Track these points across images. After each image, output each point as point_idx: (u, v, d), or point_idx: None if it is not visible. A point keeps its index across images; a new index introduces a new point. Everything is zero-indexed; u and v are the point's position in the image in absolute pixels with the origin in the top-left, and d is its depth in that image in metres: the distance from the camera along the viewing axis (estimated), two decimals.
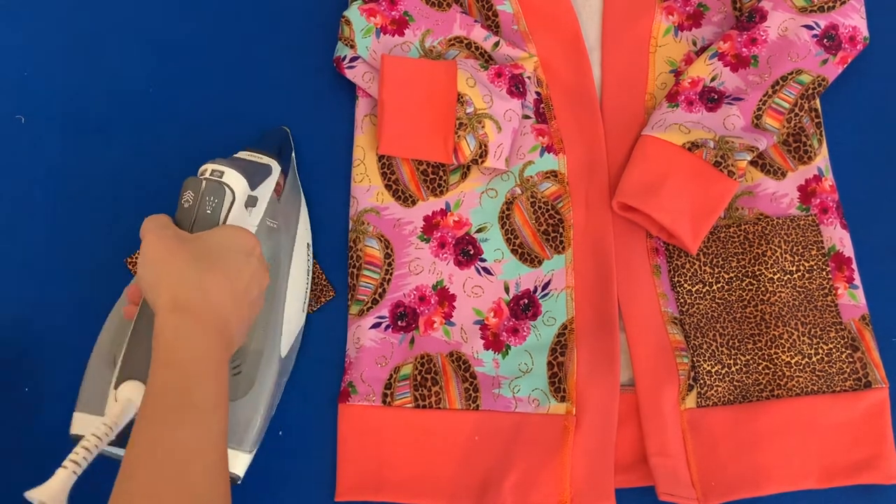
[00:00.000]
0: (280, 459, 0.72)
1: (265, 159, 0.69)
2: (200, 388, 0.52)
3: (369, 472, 0.70)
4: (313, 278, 0.75)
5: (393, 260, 0.75)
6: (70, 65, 0.82)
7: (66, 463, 0.51)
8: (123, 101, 0.81)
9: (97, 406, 0.61)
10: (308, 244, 0.74)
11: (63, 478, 0.50)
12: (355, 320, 0.73)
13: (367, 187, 0.76)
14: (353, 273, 0.75)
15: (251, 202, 0.65)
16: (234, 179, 0.62)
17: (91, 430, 0.53)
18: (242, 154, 0.70)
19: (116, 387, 0.57)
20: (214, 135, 0.80)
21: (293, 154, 0.77)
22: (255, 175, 0.65)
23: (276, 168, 0.69)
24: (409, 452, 0.70)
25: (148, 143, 0.80)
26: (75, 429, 0.61)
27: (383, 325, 0.73)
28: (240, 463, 0.64)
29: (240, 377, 0.65)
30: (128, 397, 0.56)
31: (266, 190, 0.67)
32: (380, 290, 0.74)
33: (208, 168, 0.63)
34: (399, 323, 0.73)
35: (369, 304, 0.73)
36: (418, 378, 0.71)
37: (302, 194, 0.77)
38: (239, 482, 0.65)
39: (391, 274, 0.74)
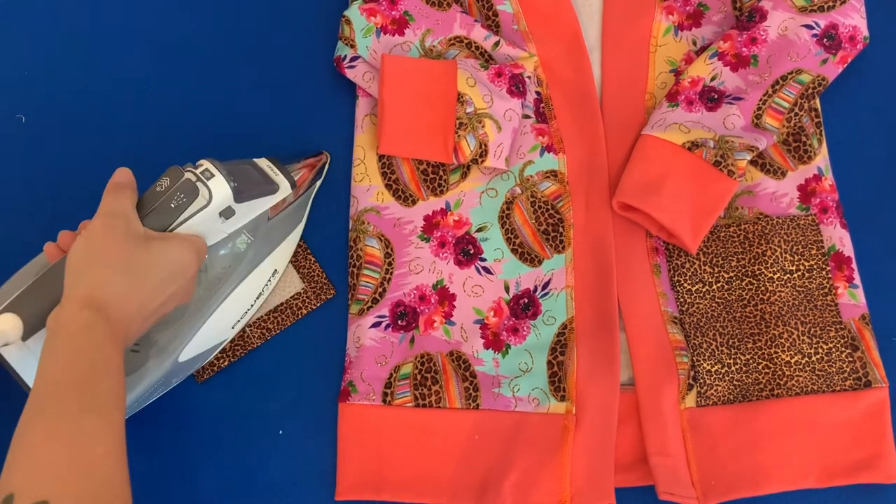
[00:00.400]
0: (280, 459, 0.72)
1: (279, 177, 0.68)
2: (106, 381, 0.52)
3: (369, 472, 0.70)
4: (313, 276, 0.75)
5: (393, 259, 0.75)
6: (70, 65, 0.82)
7: None
8: (123, 100, 0.81)
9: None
10: (276, 270, 0.72)
11: None
12: (355, 319, 0.73)
13: (367, 187, 0.76)
14: (353, 272, 0.75)
15: (228, 214, 0.64)
16: (218, 186, 0.61)
17: None
18: (262, 161, 0.68)
19: (2, 312, 0.58)
20: (215, 135, 0.80)
21: (318, 182, 0.76)
22: (251, 188, 0.64)
23: (285, 191, 0.68)
24: (410, 451, 0.70)
25: (148, 142, 0.80)
26: None
27: (383, 325, 0.73)
28: None
29: (132, 356, 0.65)
30: (2, 330, 0.57)
31: (256, 207, 0.66)
32: (380, 290, 0.74)
33: (202, 165, 0.62)
34: (399, 322, 0.73)
35: (369, 304, 0.74)
36: (418, 377, 0.71)
37: (303, 223, 0.75)
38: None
39: (391, 273, 0.74)
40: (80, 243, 0.57)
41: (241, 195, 0.63)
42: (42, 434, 0.49)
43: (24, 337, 0.58)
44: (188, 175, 0.61)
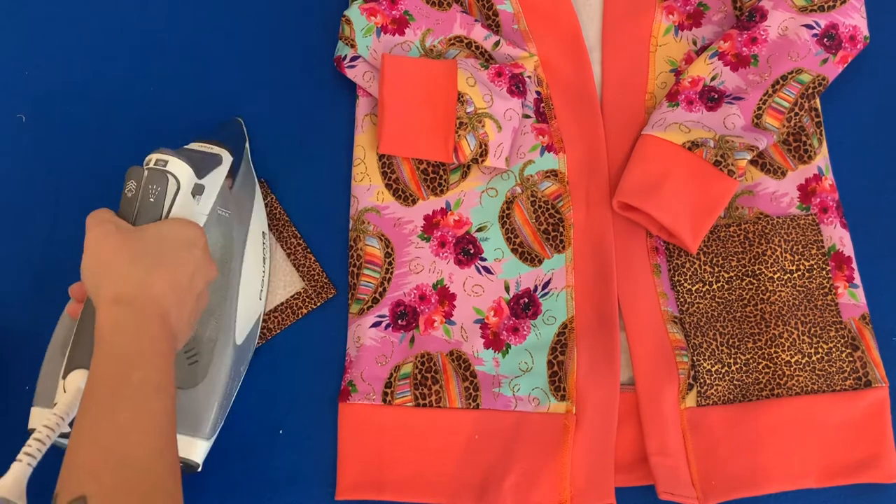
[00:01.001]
0: (280, 459, 0.72)
1: (215, 149, 0.69)
2: (139, 372, 0.52)
3: (369, 471, 0.70)
4: (313, 276, 0.75)
5: (393, 259, 0.75)
6: (70, 65, 0.82)
7: (20, 456, 0.52)
8: (123, 100, 0.81)
9: (51, 399, 0.61)
10: (264, 232, 0.74)
11: (18, 471, 0.51)
12: (355, 319, 0.73)
13: (367, 186, 0.76)
14: (353, 272, 0.75)
15: (198, 190, 0.64)
16: (178, 168, 0.62)
17: (42, 421, 0.54)
18: (192, 145, 0.70)
19: (64, 377, 0.58)
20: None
21: (247, 144, 0.78)
22: (202, 164, 0.65)
23: (227, 158, 0.69)
24: (410, 451, 0.70)
25: (148, 142, 0.79)
26: (33, 423, 0.62)
27: (384, 324, 0.73)
28: (198, 450, 0.65)
29: (196, 366, 0.66)
30: (76, 386, 0.57)
31: (216, 179, 0.67)
32: (380, 289, 0.74)
33: (153, 158, 0.62)
34: (399, 322, 0.73)
35: (369, 303, 0.74)
36: (418, 377, 0.71)
37: (257, 183, 0.77)
38: (199, 469, 0.65)
39: (391, 273, 0.74)
40: (84, 260, 0.56)
41: (199, 171, 0.64)
42: (80, 435, 0.50)
43: None
44: (148, 169, 0.62)
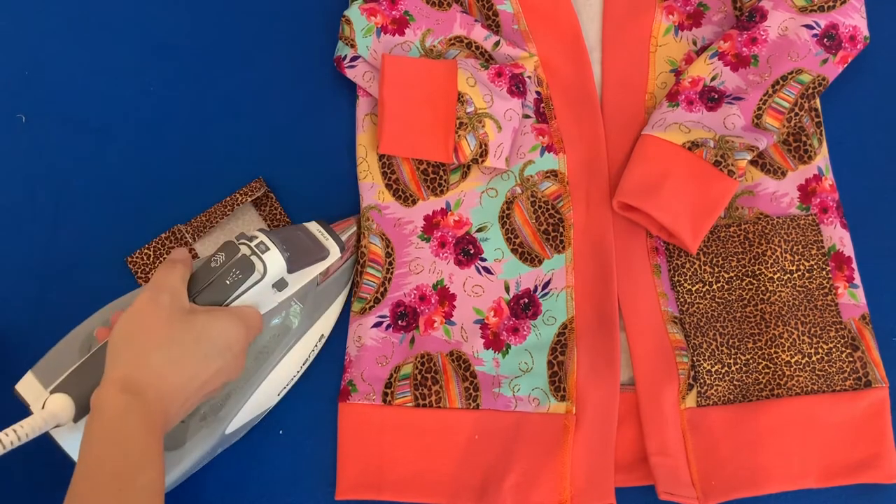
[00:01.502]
0: (280, 459, 0.72)
1: (329, 242, 0.66)
2: (145, 475, 0.51)
3: (370, 471, 0.70)
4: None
5: (393, 259, 0.75)
6: (70, 65, 0.82)
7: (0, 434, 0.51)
8: (123, 100, 0.81)
9: (48, 378, 0.58)
10: (323, 335, 0.71)
11: None
12: (357, 318, 0.73)
13: (370, 184, 0.76)
14: (357, 269, 0.75)
15: (281, 285, 0.62)
16: (273, 260, 0.60)
17: (3, 432, 0.52)
18: (312, 225, 0.67)
19: (53, 391, 0.56)
20: (215, 134, 0.80)
21: (355, 243, 0.75)
22: (302, 256, 0.63)
23: (335, 255, 0.67)
24: (410, 451, 0.70)
25: (148, 142, 0.80)
26: (20, 387, 0.59)
27: (384, 325, 0.73)
28: None
29: (176, 430, 0.63)
30: (53, 412, 0.55)
31: (307, 274, 0.65)
32: (381, 289, 0.74)
33: (257, 237, 0.60)
34: (399, 322, 0.73)
35: (371, 303, 0.74)
36: (418, 377, 0.71)
37: (348, 287, 0.73)
38: None
39: (392, 273, 0.74)
40: (123, 319, 0.55)
41: (293, 265, 0.62)
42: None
43: (76, 419, 0.56)
44: (243, 249, 0.60)
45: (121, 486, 0.50)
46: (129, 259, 0.75)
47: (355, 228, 0.74)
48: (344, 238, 0.69)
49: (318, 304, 0.69)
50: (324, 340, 0.72)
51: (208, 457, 0.67)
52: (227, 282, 0.59)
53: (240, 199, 0.75)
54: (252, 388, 0.65)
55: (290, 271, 0.62)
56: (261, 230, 0.62)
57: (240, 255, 0.59)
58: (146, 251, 0.74)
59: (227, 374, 0.58)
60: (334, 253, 0.67)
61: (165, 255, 0.73)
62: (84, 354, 0.59)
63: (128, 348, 0.54)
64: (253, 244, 0.60)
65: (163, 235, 0.75)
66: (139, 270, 0.74)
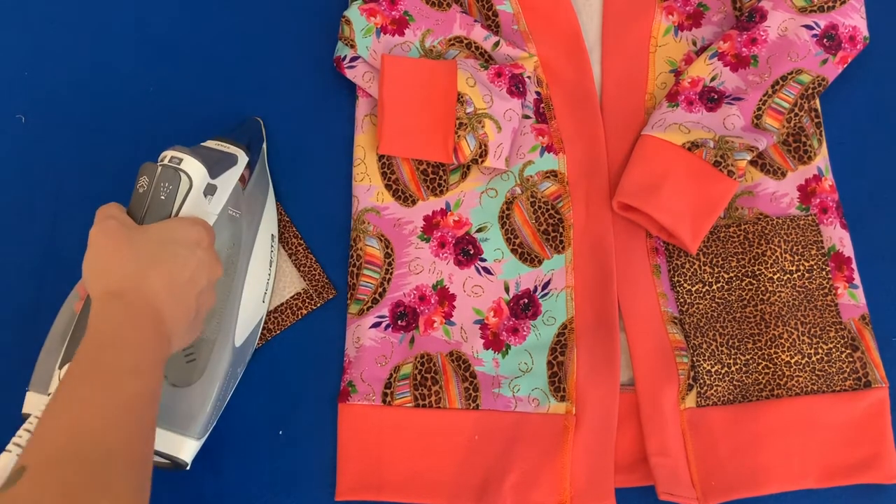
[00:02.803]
0: (280, 459, 0.72)
1: (231, 149, 0.69)
2: (111, 353, 0.52)
3: (369, 472, 0.70)
4: (314, 276, 0.75)
5: (393, 260, 0.75)
6: (70, 65, 0.82)
7: (9, 447, 0.52)
8: (123, 100, 0.81)
9: (46, 386, 0.62)
10: (273, 235, 0.75)
11: (4, 460, 0.51)
12: (355, 319, 0.73)
13: (367, 187, 0.76)
14: (352, 272, 0.75)
15: (210, 190, 0.64)
16: (192, 167, 0.62)
17: (35, 411, 0.54)
18: (209, 143, 0.70)
19: (60, 367, 0.59)
20: (215, 135, 0.80)
21: (264, 145, 0.78)
22: (217, 163, 0.65)
23: (243, 158, 0.69)
24: (409, 452, 0.70)
25: (148, 142, 0.80)
26: (26, 408, 0.63)
27: (383, 325, 0.73)
28: (186, 448, 0.65)
29: (192, 364, 0.66)
30: None
31: (229, 179, 0.67)
32: (380, 290, 0.74)
33: (167, 155, 0.62)
34: (399, 322, 0.73)
35: (369, 304, 0.74)
36: (418, 377, 0.71)
37: (270, 186, 0.77)
38: (187, 468, 0.65)
39: (391, 273, 0.74)
40: (86, 254, 0.57)
41: (213, 170, 0.64)
42: (45, 411, 0.50)
43: None
44: (161, 166, 0.61)
45: (86, 364, 0.51)
46: None
47: (252, 131, 0.76)
48: (240, 144, 0.71)
49: (252, 208, 0.72)
50: (276, 241, 0.75)
51: (233, 381, 0.70)
52: (162, 198, 0.61)
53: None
54: (236, 298, 0.69)
55: (212, 176, 0.64)
56: (171, 147, 0.63)
57: (160, 170, 0.61)
58: None
59: (207, 269, 0.59)
60: (242, 156, 0.69)
61: None
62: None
63: (101, 271, 0.55)
64: (167, 160, 0.62)
65: None
66: None
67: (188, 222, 0.60)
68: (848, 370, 0.70)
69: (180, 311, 0.57)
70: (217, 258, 0.61)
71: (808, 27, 0.74)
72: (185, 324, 0.58)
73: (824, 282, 0.72)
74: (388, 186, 0.76)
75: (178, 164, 0.62)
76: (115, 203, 0.60)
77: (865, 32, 0.75)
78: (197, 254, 0.58)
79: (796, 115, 0.73)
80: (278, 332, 0.75)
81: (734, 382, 0.70)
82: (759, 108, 0.73)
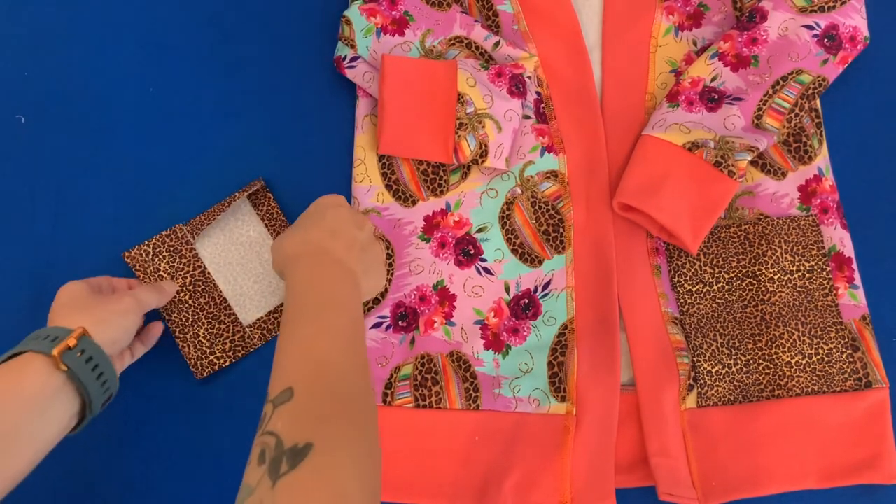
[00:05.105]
0: None
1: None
2: (313, 293, 0.59)
3: None
4: None
5: (393, 260, 0.75)
6: (70, 65, 0.82)
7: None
8: (123, 100, 0.81)
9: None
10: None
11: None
12: None
13: (367, 187, 0.76)
14: None
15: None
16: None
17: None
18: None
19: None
20: (214, 134, 0.80)
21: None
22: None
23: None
24: (410, 452, 0.70)
25: (148, 142, 0.80)
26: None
27: (384, 325, 0.73)
28: None
29: None
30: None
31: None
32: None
33: None
34: (400, 323, 0.73)
35: (370, 304, 0.73)
36: (418, 378, 0.71)
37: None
38: None
39: (392, 274, 0.74)
40: (274, 243, 0.67)
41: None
42: (279, 349, 0.55)
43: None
44: None
45: (297, 308, 0.58)
46: (126, 254, 0.74)
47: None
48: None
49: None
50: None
51: None
52: None
53: (239, 198, 0.75)
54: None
55: None
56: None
57: None
58: (145, 248, 0.74)
59: (355, 221, 0.66)
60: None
61: (165, 253, 0.74)
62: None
63: (282, 251, 0.64)
64: None
65: (163, 233, 0.75)
66: (137, 265, 0.74)
67: (326, 197, 0.68)
68: (848, 370, 0.70)
69: (353, 253, 0.64)
70: (358, 212, 0.69)
71: (809, 27, 0.74)
72: (366, 267, 0.65)
73: (825, 282, 0.72)
74: (388, 187, 0.76)
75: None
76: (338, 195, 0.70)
77: (866, 33, 0.75)
78: (340, 212, 0.66)
79: (797, 115, 0.73)
80: (278, 332, 0.74)
81: (735, 383, 0.70)
82: (759, 109, 0.73)
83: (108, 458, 0.72)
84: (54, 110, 0.81)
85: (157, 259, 0.74)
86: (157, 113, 0.81)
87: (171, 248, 0.74)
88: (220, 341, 0.73)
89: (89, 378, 0.59)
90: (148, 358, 0.71)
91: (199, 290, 0.74)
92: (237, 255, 0.76)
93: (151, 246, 0.74)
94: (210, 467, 0.71)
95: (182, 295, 0.74)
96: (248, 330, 0.74)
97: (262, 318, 0.75)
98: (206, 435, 0.73)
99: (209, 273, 0.75)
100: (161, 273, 0.73)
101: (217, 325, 0.74)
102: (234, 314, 0.74)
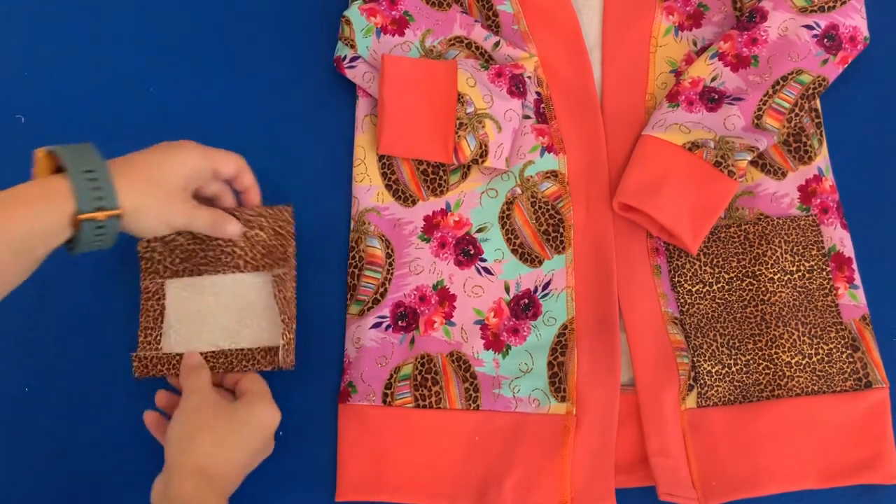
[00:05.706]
0: (280, 459, 0.72)
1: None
2: None
3: (369, 473, 0.70)
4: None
5: (393, 260, 0.75)
6: (70, 65, 0.82)
7: None
8: (123, 101, 0.81)
9: None
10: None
11: None
12: (355, 320, 0.73)
13: (367, 187, 0.76)
14: (353, 273, 0.75)
15: None
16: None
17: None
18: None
19: None
20: (215, 134, 0.80)
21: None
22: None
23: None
24: (410, 452, 0.70)
25: (148, 142, 0.80)
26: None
27: (384, 325, 0.73)
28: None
29: None
30: None
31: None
32: (381, 290, 0.74)
33: None
34: (399, 323, 0.73)
35: (370, 304, 0.73)
36: (418, 378, 0.71)
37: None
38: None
39: (392, 274, 0.74)
40: (178, 419, 0.64)
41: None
42: None
43: None
44: None
45: None
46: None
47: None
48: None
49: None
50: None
51: None
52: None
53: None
54: None
55: None
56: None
57: None
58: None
59: (265, 453, 0.67)
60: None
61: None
62: None
63: (195, 442, 0.62)
64: None
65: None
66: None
67: (267, 409, 0.66)
68: (848, 370, 0.70)
69: (239, 482, 0.65)
70: (272, 442, 0.68)
71: (809, 27, 0.74)
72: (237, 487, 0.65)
73: (825, 282, 0.72)
74: (388, 187, 0.76)
75: None
76: (203, 367, 0.67)
77: (866, 33, 0.75)
78: (267, 444, 0.66)
79: (797, 115, 0.73)
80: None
81: (735, 383, 0.70)
82: (759, 109, 0.73)
83: (108, 458, 0.72)
84: (54, 110, 0.81)
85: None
86: (157, 113, 0.81)
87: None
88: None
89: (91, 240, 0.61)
90: None
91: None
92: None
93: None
94: None
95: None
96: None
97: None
98: None
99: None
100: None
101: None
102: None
